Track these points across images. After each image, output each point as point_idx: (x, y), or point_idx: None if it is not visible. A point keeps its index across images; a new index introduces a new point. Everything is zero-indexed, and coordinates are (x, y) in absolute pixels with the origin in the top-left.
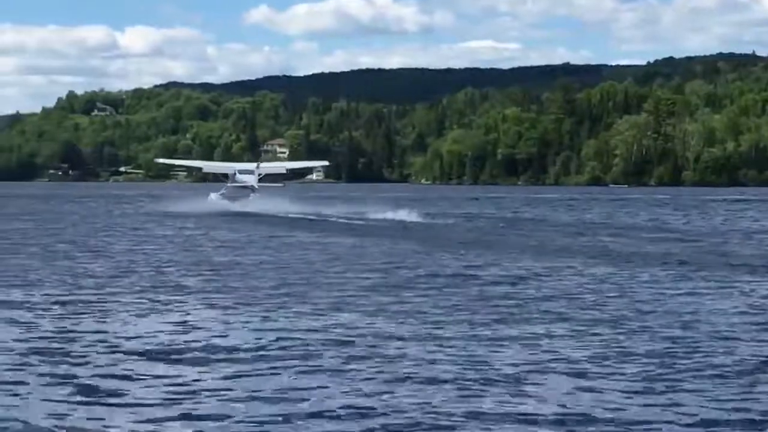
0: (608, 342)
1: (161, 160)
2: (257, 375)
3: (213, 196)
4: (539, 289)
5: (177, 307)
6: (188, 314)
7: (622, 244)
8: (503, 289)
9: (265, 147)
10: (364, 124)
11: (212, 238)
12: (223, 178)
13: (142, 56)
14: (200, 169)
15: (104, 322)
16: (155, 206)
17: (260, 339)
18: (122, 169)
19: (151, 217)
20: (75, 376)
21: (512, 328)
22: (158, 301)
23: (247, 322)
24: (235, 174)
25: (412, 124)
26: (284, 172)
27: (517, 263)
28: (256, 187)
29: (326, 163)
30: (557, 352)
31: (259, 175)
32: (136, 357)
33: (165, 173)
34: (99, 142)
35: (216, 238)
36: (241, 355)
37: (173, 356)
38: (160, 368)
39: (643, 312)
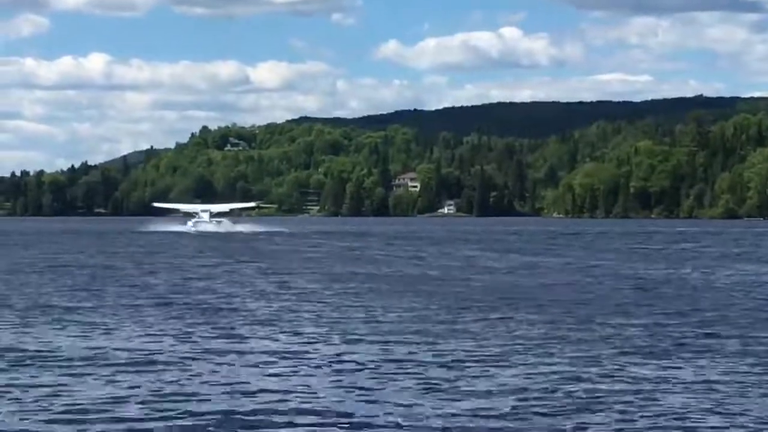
0: None
1: (157, 204)
2: None
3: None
4: None
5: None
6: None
7: None
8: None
9: (396, 181)
10: (495, 158)
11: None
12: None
13: (273, 91)
14: (178, 210)
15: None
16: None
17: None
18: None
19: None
20: None
21: None
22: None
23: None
24: (198, 213)
25: (543, 157)
26: (228, 210)
27: None
28: (208, 220)
29: (254, 204)
30: None
31: (210, 213)
32: None
33: (298, 207)
34: (232, 177)
35: None
36: None
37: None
38: None
39: None
